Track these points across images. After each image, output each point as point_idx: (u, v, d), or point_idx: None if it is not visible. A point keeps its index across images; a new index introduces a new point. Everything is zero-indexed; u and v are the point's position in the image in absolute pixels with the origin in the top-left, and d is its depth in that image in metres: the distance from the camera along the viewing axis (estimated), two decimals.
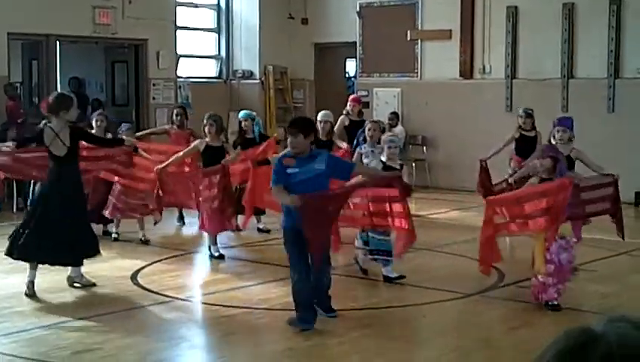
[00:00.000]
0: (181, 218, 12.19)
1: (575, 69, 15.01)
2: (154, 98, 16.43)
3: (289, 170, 6.92)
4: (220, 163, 9.92)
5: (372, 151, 9.81)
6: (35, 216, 8.18)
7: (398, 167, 8.70)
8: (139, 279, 8.87)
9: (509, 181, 9.84)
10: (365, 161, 9.85)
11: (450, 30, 16.23)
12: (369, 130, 10.22)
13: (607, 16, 14.50)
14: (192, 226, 11.95)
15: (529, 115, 11.52)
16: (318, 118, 11.16)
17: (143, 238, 10.71)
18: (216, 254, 9.93)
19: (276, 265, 9.53)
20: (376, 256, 8.71)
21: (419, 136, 16.49)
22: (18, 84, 15.55)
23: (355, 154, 10.17)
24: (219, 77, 18.40)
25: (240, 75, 18.21)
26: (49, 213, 8.07)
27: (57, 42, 15.29)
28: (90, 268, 8.51)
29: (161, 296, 8.17)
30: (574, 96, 14.79)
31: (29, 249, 8.08)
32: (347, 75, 18.99)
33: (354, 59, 17.91)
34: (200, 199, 9.91)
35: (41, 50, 15.05)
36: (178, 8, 17.05)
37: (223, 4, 18.25)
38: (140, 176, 10.39)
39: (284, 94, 18.50)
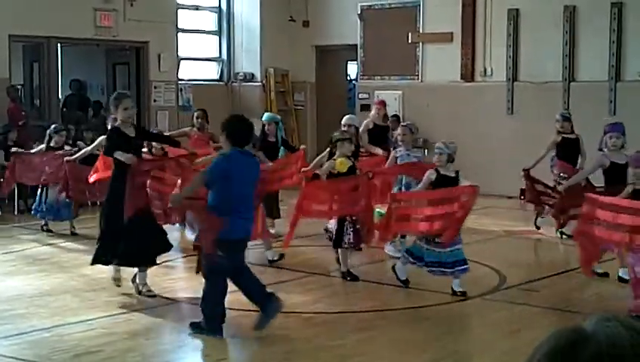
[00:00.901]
0: (182, 220, 12.15)
1: (576, 71, 15.00)
2: (155, 100, 16.44)
3: None
4: None
5: (407, 154, 9.95)
6: None
7: (453, 175, 8.44)
8: None
9: (559, 189, 9.76)
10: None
11: (452, 33, 16.23)
12: (399, 134, 10.31)
13: (609, 19, 14.49)
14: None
15: (566, 118, 11.50)
16: (342, 121, 10.76)
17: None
18: None
19: (277, 267, 9.55)
20: (453, 270, 8.25)
21: (420, 138, 16.44)
22: (19, 87, 15.58)
23: (390, 157, 10.20)
24: (220, 79, 18.41)
25: (241, 78, 18.21)
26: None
27: (59, 44, 15.32)
28: (91, 270, 8.50)
29: (162, 299, 8.17)
30: (575, 99, 14.79)
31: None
32: (348, 78, 19.00)
33: (355, 62, 17.92)
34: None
35: (42, 53, 15.07)
36: (179, 11, 17.08)
37: (224, 7, 18.26)
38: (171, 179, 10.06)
39: (285, 97, 18.49)
